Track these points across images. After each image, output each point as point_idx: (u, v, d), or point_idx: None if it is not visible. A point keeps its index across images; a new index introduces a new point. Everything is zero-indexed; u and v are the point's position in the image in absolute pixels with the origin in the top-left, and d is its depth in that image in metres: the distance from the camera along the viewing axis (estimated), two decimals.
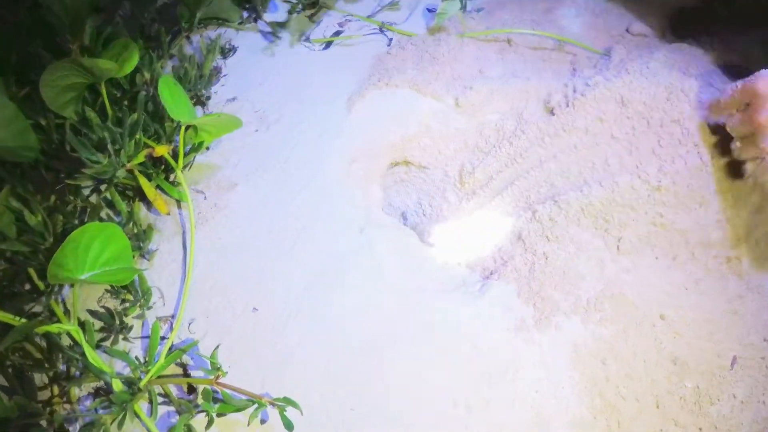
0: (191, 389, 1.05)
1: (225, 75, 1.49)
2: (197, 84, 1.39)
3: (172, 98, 1.14)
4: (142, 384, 0.98)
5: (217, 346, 1.04)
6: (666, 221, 1.13)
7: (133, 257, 1.12)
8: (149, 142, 1.19)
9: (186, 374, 1.05)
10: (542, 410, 1.01)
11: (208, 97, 1.43)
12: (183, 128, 1.17)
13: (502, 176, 1.24)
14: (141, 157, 1.16)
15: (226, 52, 1.52)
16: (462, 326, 1.07)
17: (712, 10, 1.47)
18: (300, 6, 1.54)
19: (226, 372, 1.02)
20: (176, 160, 1.18)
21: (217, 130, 1.28)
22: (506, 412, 1.01)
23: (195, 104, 1.39)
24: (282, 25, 1.52)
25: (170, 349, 1.06)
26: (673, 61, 1.28)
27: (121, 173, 1.13)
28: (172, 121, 1.23)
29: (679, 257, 1.13)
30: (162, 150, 1.18)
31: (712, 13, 1.48)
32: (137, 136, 1.15)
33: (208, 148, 1.34)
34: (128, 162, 1.13)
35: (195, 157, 1.31)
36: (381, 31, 1.46)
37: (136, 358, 1.06)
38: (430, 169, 1.36)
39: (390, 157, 1.35)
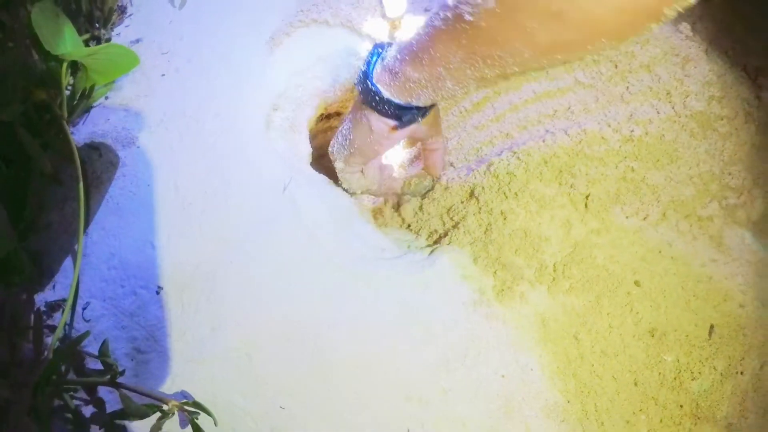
0: (90, 392, 0.84)
1: (130, 15, 1.27)
2: (95, 23, 1.17)
3: (49, 28, 0.93)
4: None
5: (104, 341, 0.83)
6: (637, 176, 1.01)
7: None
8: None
9: (83, 374, 0.83)
10: (510, 397, 0.87)
11: (108, 39, 1.21)
12: (65, 65, 0.96)
13: (450, 125, 1.07)
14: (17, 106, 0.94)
15: None
16: (411, 302, 0.90)
17: None
18: None
19: (123, 370, 0.82)
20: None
21: (111, 70, 1.07)
22: (468, 402, 0.86)
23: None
24: None
25: (60, 342, 0.85)
26: None
27: None
28: (58, 60, 1.01)
29: (650, 217, 1.01)
30: (40, 94, 0.97)
31: None
32: (11, 80, 0.93)
33: (107, 97, 1.12)
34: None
35: (89, 105, 1.10)
36: None
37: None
38: None
39: (318, 106, 1.16)
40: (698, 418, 0.94)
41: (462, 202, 1.00)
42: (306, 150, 1.11)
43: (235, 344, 0.86)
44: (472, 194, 0.99)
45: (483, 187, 0.98)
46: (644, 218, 1.00)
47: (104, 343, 0.83)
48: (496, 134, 1.04)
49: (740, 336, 0.98)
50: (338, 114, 1.21)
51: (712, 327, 0.98)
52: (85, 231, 0.96)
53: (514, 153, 0.98)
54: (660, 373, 0.93)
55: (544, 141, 0.97)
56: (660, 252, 1.00)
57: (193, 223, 0.97)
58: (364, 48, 1.14)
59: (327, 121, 1.22)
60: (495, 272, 0.91)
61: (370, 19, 1.14)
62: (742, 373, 0.97)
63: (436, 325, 0.88)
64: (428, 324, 0.88)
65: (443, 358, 0.86)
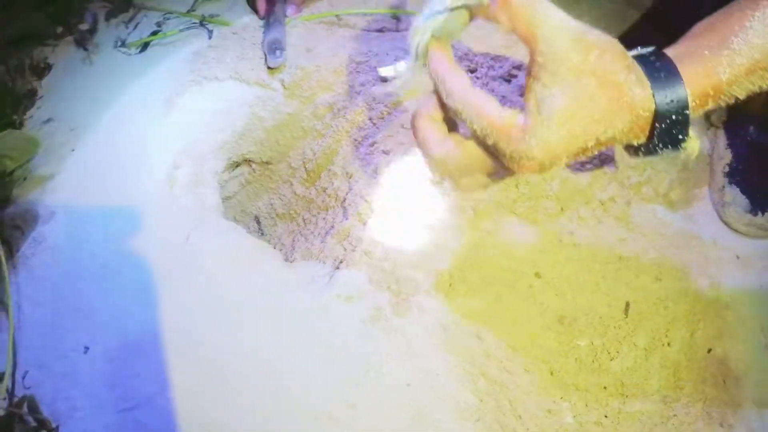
0: None
1: (41, 97, 1.34)
2: (6, 109, 1.25)
3: None
4: None
5: (31, 398, 0.88)
6: (528, 177, 1.05)
7: None
8: None
9: None
10: (420, 404, 0.89)
11: (21, 123, 1.28)
12: None
13: (343, 157, 1.14)
14: None
15: (41, 71, 1.37)
16: (312, 327, 0.94)
17: None
18: (115, 11, 1.41)
19: (56, 426, 0.87)
20: None
21: (17, 155, 1.14)
22: (377, 414, 0.88)
23: None
24: (97, 34, 1.39)
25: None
26: None
27: None
28: None
29: (547, 211, 1.05)
30: None
31: None
32: None
33: (25, 178, 1.19)
34: None
35: (11, 188, 1.16)
36: (201, 24, 1.33)
37: None
38: (272, 163, 1.24)
39: (224, 157, 1.22)
40: (626, 396, 0.96)
41: (359, 229, 1.06)
42: (215, 200, 1.17)
43: (155, 389, 0.90)
44: (366, 223, 1.05)
45: (372, 211, 1.04)
46: (540, 213, 1.04)
47: (32, 400, 0.89)
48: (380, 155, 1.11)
49: (661, 309, 1.01)
50: (247, 162, 1.27)
51: (627, 304, 1.01)
52: (11, 306, 1.01)
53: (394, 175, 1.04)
54: (576, 359, 0.95)
55: (417, 155, 1.03)
56: (560, 241, 1.03)
57: (109, 283, 1.01)
58: (254, 95, 1.21)
59: (236, 170, 1.28)
60: (389, 287, 0.96)
61: (256, 69, 1.21)
62: (669, 344, 1.00)
63: (337, 345, 0.91)
64: (329, 345, 0.91)
65: (347, 374, 0.89)
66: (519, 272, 0.99)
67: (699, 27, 0.60)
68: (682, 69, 0.56)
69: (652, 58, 0.56)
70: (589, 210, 1.06)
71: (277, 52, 1.18)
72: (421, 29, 0.59)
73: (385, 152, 1.08)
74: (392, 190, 1.04)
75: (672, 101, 0.55)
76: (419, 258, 0.99)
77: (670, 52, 0.57)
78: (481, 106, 0.56)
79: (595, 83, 0.53)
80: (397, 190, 1.03)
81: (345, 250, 1.04)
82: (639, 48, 0.59)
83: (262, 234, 1.26)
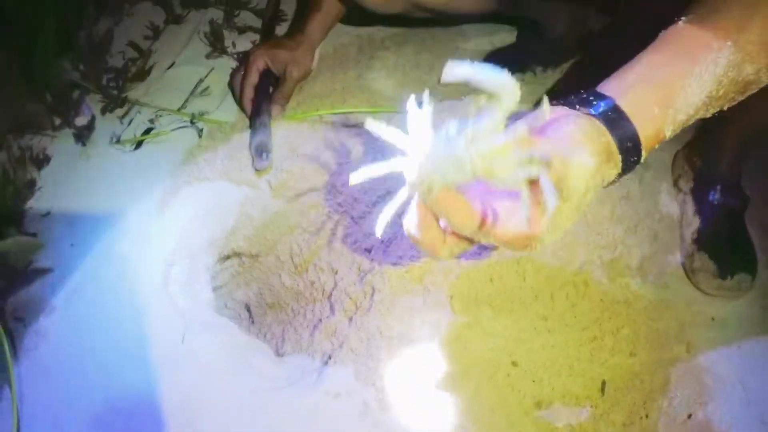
0: None
1: (40, 188, 1.39)
2: (7, 200, 1.29)
3: None
4: None
5: None
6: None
7: None
8: None
9: None
10: None
11: (21, 214, 1.33)
12: None
13: (328, 254, 1.20)
14: None
15: (40, 162, 1.42)
16: (303, 423, 1.00)
17: None
18: (111, 105, 1.48)
19: None
20: None
21: (23, 255, 1.20)
22: None
23: (8, 223, 1.28)
24: (93, 128, 1.45)
25: None
26: None
27: None
28: None
29: (522, 300, 1.11)
30: None
31: None
32: None
33: (26, 273, 1.23)
34: None
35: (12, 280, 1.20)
36: (192, 122, 1.41)
37: None
38: (261, 256, 1.31)
39: (215, 253, 1.29)
40: None
41: (345, 324, 1.12)
42: (207, 297, 1.23)
43: None
44: (351, 318, 1.11)
45: (357, 308, 1.11)
46: (515, 303, 1.10)
47: None
48: (363, 253, 1.17)
49: (637, 383, 1.07)
50: (236, 255, 1.33)
51: (604, 383, 1.06)
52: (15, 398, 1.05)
53: (379, 272, 1.11)
54: None
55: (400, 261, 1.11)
56: (535, 328, 1.09)
57: (109, 380, 1.07)
58: (243, 195, 1.28)
59: (226, 262, 1.35)
60: (374, 383, 1.03)
61: (244, 170, 1.29)
62: (647, 416, 1.05)
63: None
64: None
65: None
66: (496, 362, 1.05)
67: (636, 69, 0.66)
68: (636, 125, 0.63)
69: (611, 113, 0.62)
70: (562, 294, 1.12)
71: (263, 155, 1.25)
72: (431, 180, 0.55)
73: (367, 249, 1.15)
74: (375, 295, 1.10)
75: (630, 145, 0.62)
76: (402, 352, 1.05)
77: (619, 101, 0.63)
78: (489, 229, 0.58)
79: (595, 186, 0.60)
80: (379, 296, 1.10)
81: (332, 345, 1.10)
82: (591, 95, 0.64)
83: (253, 322, 1.32)
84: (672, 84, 0.63)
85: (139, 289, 1.18)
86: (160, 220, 1.25)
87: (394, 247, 1.12)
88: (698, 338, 1.16)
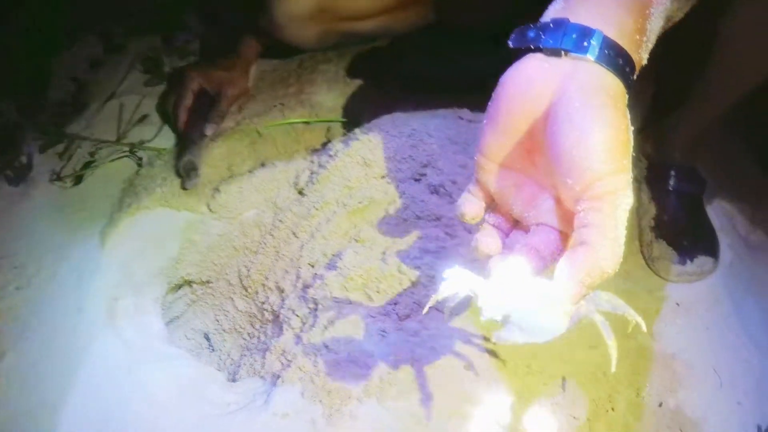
0: None
1: None
2: None
3: None
4: None
5: None
6: None
7: None
8: None
9: None
10: None
11: None
12: None
13: (274, 272, 1.18)
14: None
15: None
16: None
17: None
18: (50, 142, 1.46)
19: None
20: None
21: None
22: None
23: None
24: (31, 168, 1.44)
25: None
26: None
27: None
28: None
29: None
30: None
31: None
32: None
33: None
34: None
35: None
36: (132, 152, 1.40)
37: None
38: (212, 282, 1.28)
39: (164, 284, 1.26)
40: None
41: (293, 342, 1.09)
42: (159, 326, 1.21)
43: None
44: (298, 336, 1.09)
45: (303, 325, 1.09)
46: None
47: None
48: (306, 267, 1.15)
49: (599, 375, 1.04)
50: (187, 283, 1.31)
51: (563, 379, 1.03)
52: None
53: (323, 283, 1.09)
54: None
55: (336, 267, 1.09)
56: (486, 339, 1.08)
57: (58, 419, 1.04)
58: (184, 220, 1.26)
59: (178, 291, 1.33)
60: (321, 400, 1.00)
61: (182, 195, 1.27)
62: (613, 409, 1.03)
63: None
64: None
65: None
66: (446, 366, 1.03)
67: None
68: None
69: (609, 52, 0.53)
70: None
71: (191, 174, 1.24)
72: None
73: (311, 264, 1.13)
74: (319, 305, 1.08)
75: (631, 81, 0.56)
76: (349, 366, 1.02)
77: (608, 31, 0.53)
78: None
79: None
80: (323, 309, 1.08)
81: (282, 365, 1.07)
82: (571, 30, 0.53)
83: (213, 350, 1.29)
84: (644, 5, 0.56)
85: (85, 328, 1.16)
86: (102, 254, 1.23)
87: (339, 259, 1.10)
88: (664, 325, 1.15)
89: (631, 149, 0.52)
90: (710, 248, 1.22)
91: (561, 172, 0.52)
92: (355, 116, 1.33)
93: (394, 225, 1.11)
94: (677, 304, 1.18)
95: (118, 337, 1.15)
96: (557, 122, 0.52)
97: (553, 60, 0.53)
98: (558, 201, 0.58)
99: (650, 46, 0.57)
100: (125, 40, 1.69)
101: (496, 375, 1.04)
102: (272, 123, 1.36)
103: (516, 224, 0.65)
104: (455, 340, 1.04)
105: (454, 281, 0.58)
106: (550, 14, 0.57)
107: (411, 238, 1.10)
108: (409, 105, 1.29)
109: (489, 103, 0.58)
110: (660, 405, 1.07)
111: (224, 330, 1.28)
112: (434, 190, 1.13)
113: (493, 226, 0.65)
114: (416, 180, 1.15)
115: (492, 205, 0.65)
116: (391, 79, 1.48)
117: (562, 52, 0.53)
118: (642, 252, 1.24)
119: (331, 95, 1.47)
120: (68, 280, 1.22)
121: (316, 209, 1.14)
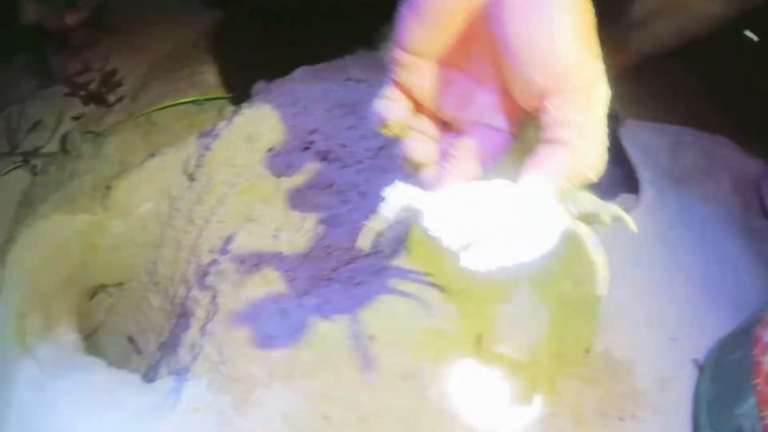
0: None
1: None
2: None
3: None
4: None
5: None
6: None
7: None
8: None
9: None
10: None
11: None
12: None
13: (178, 264, 1.15)
14: None
15: None
16: None
17: None
18: None
19: None
20: None
21: None
22: None
23: None
24: None
25: None
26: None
27: None
28: None
29: None
30: None
31: None
32: None
33: None
34: None
35: None
36: (25, 161, 1.34)
37: None
38: (124, 283, 1.25)
39: (74, 291, 1.23)
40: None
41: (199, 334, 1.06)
42: (72, 339, 1.17)
43: None
44: (203, 328, 1.06)
45: (207, 314, 1.05)
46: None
47: None
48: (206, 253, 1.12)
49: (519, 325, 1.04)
50: (102, 287, 1.28)
51: (479, 336, 1.01)
52: None
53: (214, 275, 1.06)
54: (430, 409, 0.96)
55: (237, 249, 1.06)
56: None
57: None
58: (83, 223, 1.22)
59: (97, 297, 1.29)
60: (228, 391, 0.97)
61: (76, 197, 1.23)
62: (536, 362, 1.02)
63: None
64: None
65: None
66: (350, 342, 0.99)
67: None
68: None
69: None
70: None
71: None
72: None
73: (210, 251, 1.10)
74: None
75: None
76: (253, 351, 0.99)
77: None
78: None
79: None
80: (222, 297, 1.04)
81: (191, 359, 1.04)
82: None
83: (140, 353, 1.26)
84: None
85: None
86: (5, 272, 1.19)
87: (232, 242, 1.06)
88: (586, 269, 1.12)
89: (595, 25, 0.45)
90: (632, 184, 1.21)
91: (520, 64, 0.45)
92: (245, 91, 1.27)
93: (284, 198, 1.07)
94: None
95: (29, 355, 1.11)
96: (510, 7, 0.44)
97: None
98: (501, 96, 0.51)
99: None
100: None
101: (402, 341, 1.01)
102: (158, 107, 1.31)
103: (445, 127, 0.57)
104: (356, 310, 1.02)
105: (395, 200, 0.48)
106: None
107: (303, 209, 1.06)
108: (297, 73, 1.24)
109: None
110: (587, 351, 1.05)
111: (145, 330, 1.25)
112: (323, 157, 1.09)
113: (419, 131, 0.56)
114: (305, 149, 1.10)
115: (415, 108, 0.55)
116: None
117: None
118: None
119: (224, 73, 1.41)
120: None
121: (207, 193, 1.10)
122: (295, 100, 1.13)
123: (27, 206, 1.25)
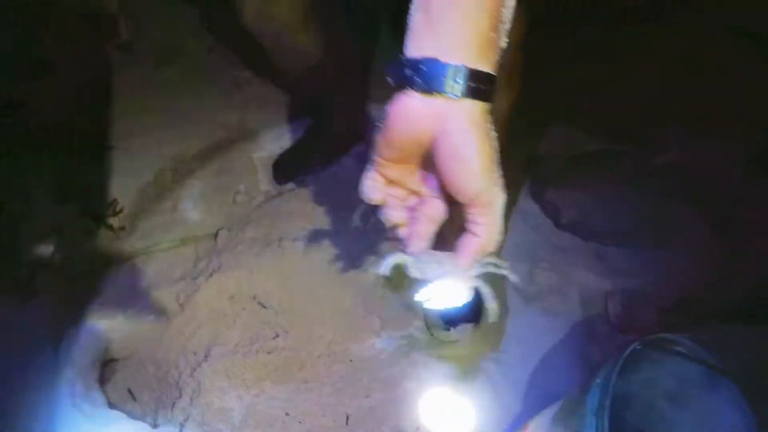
0: None
1: None
2: None
3: None
4: None
5: None
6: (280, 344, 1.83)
7: None
8: None
9: None
10: None
11: None
12: None
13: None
14: None
15: None
16: None
17: None
18: None
19: None
20: None
21: None
22: None
23: None
24: None
25: None
26: None
27: None
28: None
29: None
30: None
31: None
32: None
33: None
34: None
35: None
36: None
37: None
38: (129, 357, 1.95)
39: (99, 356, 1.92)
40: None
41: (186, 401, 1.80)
42: (101, 398, 1.84)
43: None
44: (191, 398, 1.79)
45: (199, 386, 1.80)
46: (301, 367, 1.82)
47: None
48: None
49: None
50: (112, 360, 1.98)
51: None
52: None
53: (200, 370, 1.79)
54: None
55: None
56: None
57: None
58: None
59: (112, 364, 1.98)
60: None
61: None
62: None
63: None
64: None
65: None
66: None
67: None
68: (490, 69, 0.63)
69: (473, 85, 0.60)
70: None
71: None
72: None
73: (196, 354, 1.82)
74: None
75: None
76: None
77: (470, 62, 0.60)
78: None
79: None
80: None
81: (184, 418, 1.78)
82: (436, 68, 0.60)
83: (135, 399, 1.94)
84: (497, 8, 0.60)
85: (53, 412, 1.79)
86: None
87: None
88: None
89: (498, 156, 0.64)
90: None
91: (451, 190, 0.67)
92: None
93: None
94: None
95: (79, 412, 1.80)
96: (442, 156, 0.64)
97: (430, 100, 0.61)
98: (442, 184, 0.69)
99: (508, 26, 0.62)
100: None
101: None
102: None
103: (412, 192, 0.76)
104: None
105: (389, 260, 0.82)
106: (415, 36, 0.61)
107: None
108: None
109: (382, 126, 0.66)
110: None
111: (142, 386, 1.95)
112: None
113: (394, 197, 0.76)
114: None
115: (390, 185, 0.75)
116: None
117: (435, 93, 0.60)
118: None
119: (197, 211, 2.07)
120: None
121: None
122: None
123: None
